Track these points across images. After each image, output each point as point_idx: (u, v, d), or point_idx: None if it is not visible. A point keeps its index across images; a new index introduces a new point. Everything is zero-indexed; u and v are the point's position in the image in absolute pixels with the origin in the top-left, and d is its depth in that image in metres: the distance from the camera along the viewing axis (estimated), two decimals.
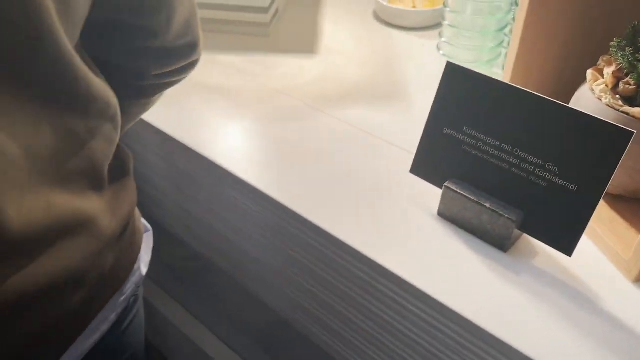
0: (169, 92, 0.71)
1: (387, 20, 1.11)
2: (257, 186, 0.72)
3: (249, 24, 1.07)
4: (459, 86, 0.62)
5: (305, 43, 1.06)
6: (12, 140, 0.43)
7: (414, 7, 1.11)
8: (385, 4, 1.09)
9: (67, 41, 0.46)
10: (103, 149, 0.53)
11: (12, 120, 0.43)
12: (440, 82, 0.63)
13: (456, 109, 0.63)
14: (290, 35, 1.09)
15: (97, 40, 0.56)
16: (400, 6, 1.10)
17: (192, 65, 0.66)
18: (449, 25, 0.89)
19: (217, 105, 0.89)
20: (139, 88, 0.65)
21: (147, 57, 0.61)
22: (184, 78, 0.69)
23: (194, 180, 0.86)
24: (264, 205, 0.73)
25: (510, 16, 0.87)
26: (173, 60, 0.63)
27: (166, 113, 0.85)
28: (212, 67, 0.98)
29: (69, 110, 0.48)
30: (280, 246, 0.76)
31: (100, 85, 0.52)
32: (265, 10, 1.05)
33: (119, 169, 0.59)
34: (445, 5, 0.89)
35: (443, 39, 0.92)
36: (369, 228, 0.65)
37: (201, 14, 1.04)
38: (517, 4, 0.82)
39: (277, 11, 1.12)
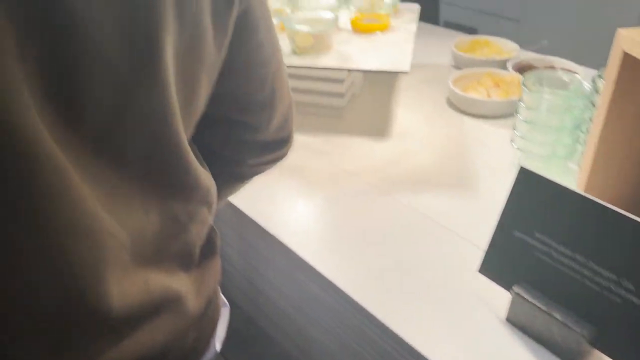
0: None
1: (460, 108, 1.13)
2: (322, 271, 0.74)
3: (325, 106, 1.12)
4: (532, 192, 0.62)
5: (378, 126, 1.09)
6: (122, 225, 0.46)
7: (488, 96, 1.12)
8: (459, 92, 1.11)
9: (185, 137, 0.50)
10: (198, 231, 0.57)
11: (127, 206, 0.47)
12: (513, 187, 0.63)
13: (528, 214, 0.63)
14: (364, 118, 1.13)
15: (204, 131, 0.61)
16: (474, 95, 1.12)
17: (282, 155, 0.71)
18: (523, 120, 0.90)
19: (289, 184, 0.93)
20: (235, 174, 0.70)
21: (247, 148, 0.66)
22: (273, 166, 0.72)
23: (263, 256, 0.89)
24: (329, 291, 0.74)
25: (587, 114, 0.87)
26: (269, 152, 0.68)
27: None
28: None
29: (176, 198, 0.52)
30: (345, 337, 0.76)
31: (204, 175, 0.56)
32: (341, 95, 1.10)
33: (207, 248, 0.62)
34: (520, 100, 0.90)
35: (517, 133, 0.93)
36: (435, 327, 0.65)
37: None
38: (593, 104, 0.81)
39: (353, 95, 1.17)
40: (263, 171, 0.72)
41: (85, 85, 0.40)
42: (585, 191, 0.73)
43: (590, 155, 0.73)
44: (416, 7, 1.29)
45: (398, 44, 1.08)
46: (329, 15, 1.07)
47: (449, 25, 2.53)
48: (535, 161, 0.90)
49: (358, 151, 1.02)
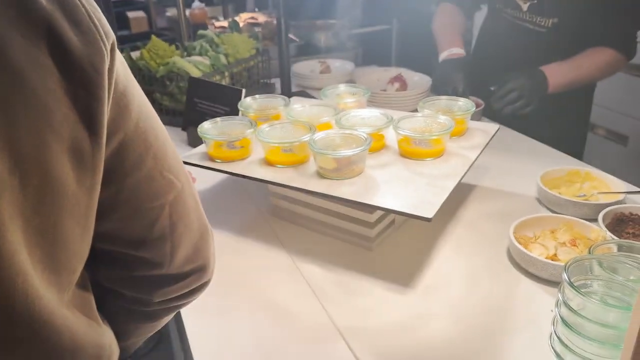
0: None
1: (520, 264, 0.90)
2: None
3: (356, 234, 0.97)
4: None
5: (404, 273, 0.90)
6: None
7: (554, 256, 0.87)
8: (518, 245, 0.88)
9: (45, 297, 0.43)
10: None
11: None
12: None
13: None
14: (393, 258, 0.95)
15: (98, 267, 0.55)
16: (535, 252, 0.87)
17: (200, 288, 0.61)
18: (561, 319, 0.66)
19: (266, 331, 0.79)
20: (143, 313, 0.61)
21: (149, 285, 0.58)
22: (192, 301, 0.63)
23: None
24: None
25: None
26: (178, 286, 0.58)
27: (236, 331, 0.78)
28: (297, 276, 0.90)
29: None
30: None
31: (89, 331, 0.50)
32: (371, 225, 0.94)
33: None
34: (559, 291, 0.66)
35: (554, 330, 0.68)
36: None
37: (312, 214, 1.00)
38: None
39: (390, 224, 1.00)
40: (179, 308, 0.63)
41: None
42: None
43: None
44: (493, 128, 1.08)
45: (439, 180, 0.90)
46: (364, 136, 0.93)
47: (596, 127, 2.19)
48: None
49: (369, 300, 0.85)
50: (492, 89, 1.35)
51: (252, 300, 0.86)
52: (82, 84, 0.42)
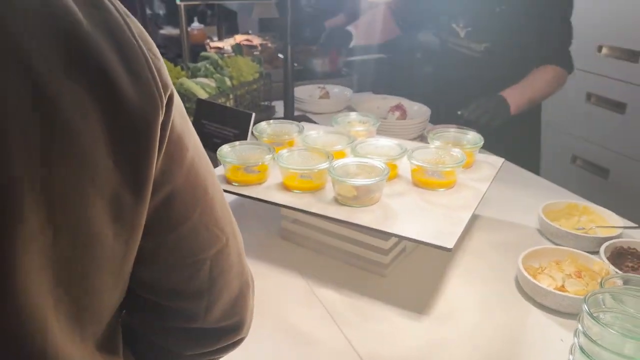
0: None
1: (528, 293, 0.93)
2: None
3: (369, 260, 1.00)
4: None
5: (418, 300, 0.93)
6: None
7: (562, 287, 0.91)
8: (527, 276, 0.92)
9: (70, 351, 0.42)
10: None
11: None
12: None
13: None
14: (405, 285, 0.98)
15: (132, 314, 0.54)
16: (544, 283, 0.91)
17: (234, 345, 0.60)
18: (580, 348, 0.69)
19: (287, 356, 0.81)
20: None
21: (183, 337, 0.56)
22: (224, 356, 0.62)
23: None
24: None
25: None
26: (212, 341, 0.57)
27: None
28: (314, 301, 0.92)
29: None
30: None
31: None
32: (385, 252, 0.97)
33: None
34: (578, 320, 0.70)
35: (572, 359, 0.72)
36: None
37: (325, 240, 1.03)
38: None
39: (402, 251, 1.03)
40: None
41: None
42: None
43: None
44: (499, 162, 1.13)
45: (454, 211, 0.93)
46: (381, 165, 0.96)
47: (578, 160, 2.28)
48: None
49: (384, 327, 0.87)
50: (459, 112, 1.47)
51: (271, 323, 0.88)
52: (132, 137, 0.40)
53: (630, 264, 0.99)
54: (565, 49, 1.56)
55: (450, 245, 0.83)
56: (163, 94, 0.42)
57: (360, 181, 0.93)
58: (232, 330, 0.57)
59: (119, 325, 0.52)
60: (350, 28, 1.74)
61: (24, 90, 0.35)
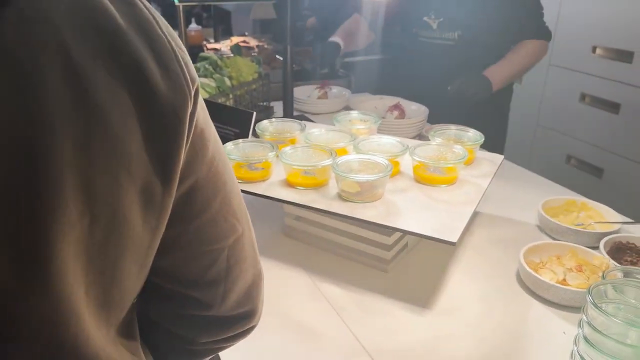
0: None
1: (530, 287, 0.95)
2: None
3: (370, 256, 1.01)
4: None
5: (422, 295, 0.94)
6: None
7: (563, 281, 0.92)
8: (529, 270, 0.93)
9: (95, 334, 0.43)
10: None
11: None
12: None
13: None
14: (410, 279, 0.99)
15: (148, 302, 0.55)
16: (545, 277, 0.92)
17: (246, 332, 0.61)
18: (584, 338, 0.70)
19: (295, 350, 0.81)
20: (186, 350, 0.61)
21: (197, 325, 0.57)
22: (235, 344, 0.63)
23: None
24: None
25: None
26: (225, 329, 0.59)
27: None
28: (318, 296, 0.92)
29: None
30: None
31: None
32: (388, 247, 0.98)
33: None
34: (583, 311, 0.71)
35: (576, 349, 0.73)
36: None
37: (328, 236, 1.03)
38: None
39: (405, 247, 1.04)
40: (223, 349, 0.62)
41: None
42: None
43: None
44: (499, 159, 1.15)
45: (456, 206, 0.95)
46: (384, 161, 0.97)
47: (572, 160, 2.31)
48: None
49: (387, 321, 0.88)
50: (448, 88, 1.60)
51: (277, 318, 0.88)
52: (163, 129, 0.42)
53: (629, 258, 1.01)
54: (538, 20, 1.67)
55: (454, 239, 0.84)
56: (191, 86, 0.44)
57: (363, 177, 0.94)
58: (245, 318, 0.59)
59: (135, 314, 0.53)
60: (337, 39, 1.81)
61: (62, 80, 0.36)
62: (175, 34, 0.46)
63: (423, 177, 1.03)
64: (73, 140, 0.36)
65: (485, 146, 1.52)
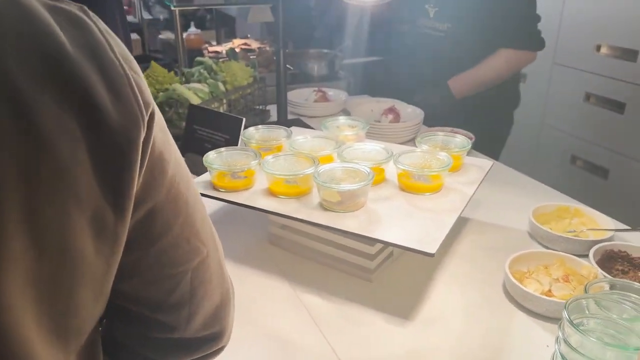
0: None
1: (515, 298, 0.93)
2: None
3: (355, 265, 0.99)
4: None
5: (404, 305, 0.93)
6: None
7: (549, 292, 0.90)
8: (514, 280, 0.91)
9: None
10: None
11: None
12: None
13: None
14: (392, 290, 0.97)
15: (112, 322, 0.55)
16: (530, 288, 0.90)
17: (214, 354, 0.60)
18: (560, 354, 0.68)
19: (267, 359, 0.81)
20: None
21: (164, 347, 0.57)
22: None
23: None
24: None
25: None
26: (192, 350, 0.58)
27: None
28: (298, 305, 0.91)
29: None
30: None
31: None
32: (371, 257, 0.97)
33: None
34: (559, 327, 0.69)
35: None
36: None
37: (312, 245, 1.02)
38: None
39: (389, 256, 1.02)
40: None
41: None
42: None
43: None
44: (487, 165, 1.13)
45: (439, 215, 0.93)
46: (366, 170, 0.96)
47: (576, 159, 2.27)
48: None
49: (367, 332, 0.87)
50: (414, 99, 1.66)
51: (255, 328, 0.87)
52: (114, 156, 0.41)
53: (620, 267, 0.98)
54: (526, 29, 1.63)
55: (432, 250, 0.82)
56: (144, 111, 0.43)
57: (343, 187, 0.92)
58: (212, 340, 0.58)
59: (99, 335, 0.52)
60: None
61: (6, 109, 0.35)
62: (131, 57, 0.45)
63: (407, 185, 1.01)
64: (17, 172, 0.35)
65: (486, 146, 1.51)
